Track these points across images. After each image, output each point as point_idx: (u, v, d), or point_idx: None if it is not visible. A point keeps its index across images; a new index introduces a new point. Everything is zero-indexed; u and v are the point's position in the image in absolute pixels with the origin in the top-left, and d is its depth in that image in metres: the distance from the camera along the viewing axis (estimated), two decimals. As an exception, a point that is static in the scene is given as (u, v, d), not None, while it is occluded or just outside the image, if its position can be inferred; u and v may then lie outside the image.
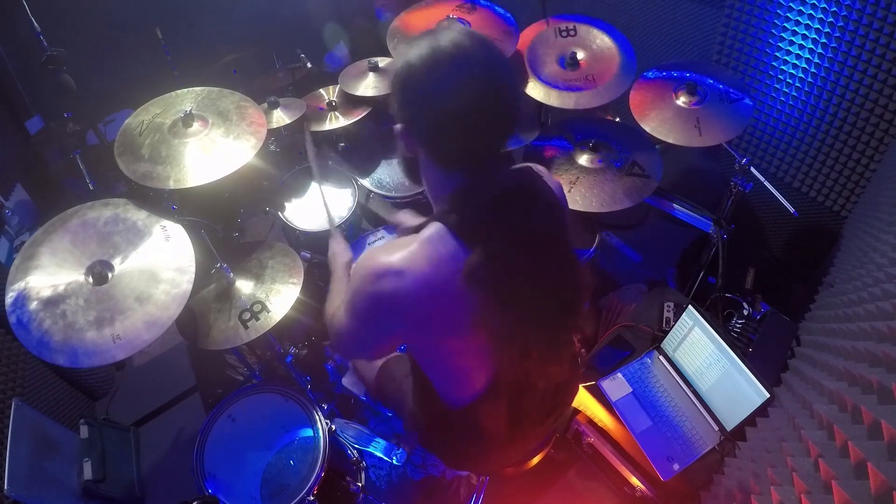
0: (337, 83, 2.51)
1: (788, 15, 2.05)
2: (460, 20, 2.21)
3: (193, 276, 1.60)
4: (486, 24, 2.21)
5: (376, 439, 1.83)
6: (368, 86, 2.40)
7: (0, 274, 1.82)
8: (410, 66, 0.85)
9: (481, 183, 0.91)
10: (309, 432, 1.68)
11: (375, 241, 2.18)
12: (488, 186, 0.91)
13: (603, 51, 2.18)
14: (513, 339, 0.96)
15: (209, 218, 2.42)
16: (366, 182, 2.28)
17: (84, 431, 1.96)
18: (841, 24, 1.90)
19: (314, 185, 2.33)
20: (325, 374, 2.15)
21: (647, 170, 1.97)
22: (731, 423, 1.63)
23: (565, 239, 1.03)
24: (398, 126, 0.92)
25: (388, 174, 2.31)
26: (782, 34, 2.11)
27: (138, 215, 1.69)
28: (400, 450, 1.81)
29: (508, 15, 2.25)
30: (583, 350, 2.11)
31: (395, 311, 0.92)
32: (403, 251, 0.91)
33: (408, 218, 1.42)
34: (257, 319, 1.69)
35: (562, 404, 1.37)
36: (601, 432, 1.73)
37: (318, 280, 2.19)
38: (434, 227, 0.91)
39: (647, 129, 1.95)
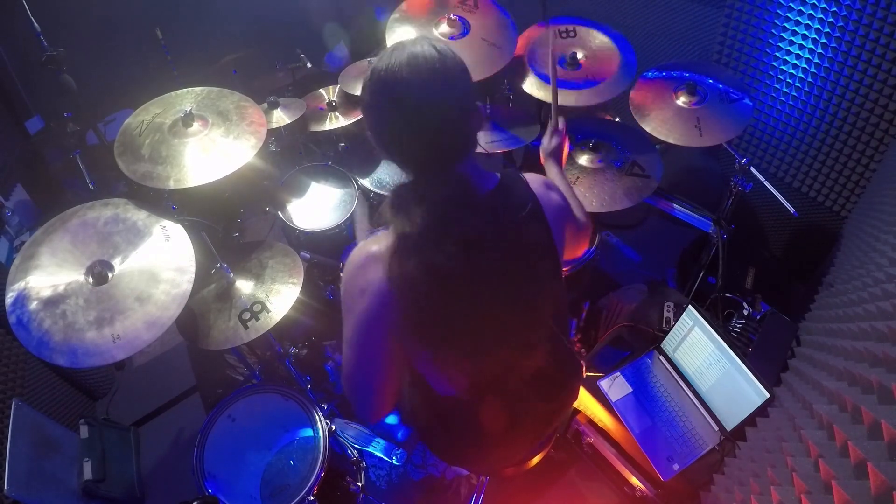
0: (337, 83, 2.51)
1: (788, 15, 2.05)
2: (459, 18, 2.21)
3: (193, 276, 1.60)
4: (487, 20, 2.22)
5: (376, 439, 1.83)
6: (368, 86, 2.40)
7: (0, 274, 1.82)
8: (364, 83, 0.94)
9: (425, 185, 0.93)
10: (309, 432, 1.68)
11: (375, 241, 2.18)
12: (432, 190, 0.92)
13: (603, 50, 2.18)
14: (446, 347, 0.97)
15: (209, 218, 2.43)
16: (366, 182, 2.27)
17: (84, 431, 1.96)
18: (841, 24, 1.90)
19: (315, 185, 2.33)
20: (325, 374, 2.15)
21: (647, 170, 1.97)
22: (731, 423, 1.63)
23: (532, 250, 0.99)
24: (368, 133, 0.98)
25: (388, 174, 2.31)
26: (782, 34, 2.11)
27: (138, 215, 1.69)
28: (400, 450, 1.81)
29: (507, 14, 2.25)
30: (583, 350, 2.11)
31: (378, 298, 0.94)
32: (381, 242, 0.96)
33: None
34: (257, 319, 1.69)
35: (562, 405, 1.37)
36: (601, 432, 1.73)
37: (318, 280, 2.19)
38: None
39: (648, 129, 1.95)
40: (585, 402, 1.77)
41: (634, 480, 1.66)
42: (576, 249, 1.25)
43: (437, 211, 0.89)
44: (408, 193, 0.93)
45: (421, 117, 0.88)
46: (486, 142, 2.11)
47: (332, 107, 2.46)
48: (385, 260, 0.93)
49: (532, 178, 1.07)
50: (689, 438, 1.66)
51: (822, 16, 1.94)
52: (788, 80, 2.17)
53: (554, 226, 1.04)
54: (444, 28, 2.21)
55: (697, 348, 1.74)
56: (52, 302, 1.48)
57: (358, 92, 2.33)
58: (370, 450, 1.81)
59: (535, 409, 1.23)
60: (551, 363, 1.15)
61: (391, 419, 1.92)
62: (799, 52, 2.08)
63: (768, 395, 1.53)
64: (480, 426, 1.17)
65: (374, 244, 0.97)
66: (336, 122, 2.43)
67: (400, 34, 2.22)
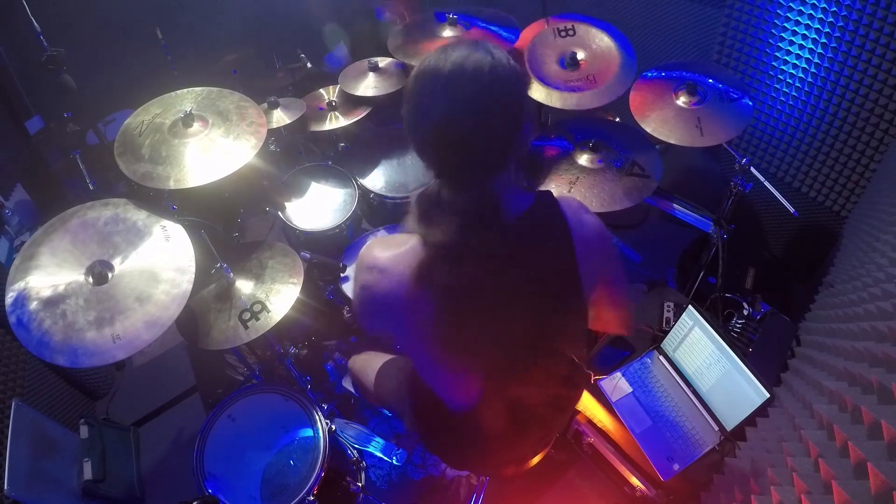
0: (337, 83, 2.51)
1: (788, 15, 2.05)
2: (460, 17, 2.21)
3: (193, 276, 1.60)
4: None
5: (376, 439, 1.84)
6: (368, 86, 2.40)
7: (0, 274, 1.82)
8: (406, 84, 0.91)
9: (460, 199, 0.90)
10: (309, 432, 1.68)
11: (375, 241, 2.18)
12: (465, 204, 0.90)
13: (603, 50, 2.18)
14: (469, 360, 0.98)
15: (209, 218, 2.42)
16: (366, 182, 2.28)
17: (84, 431, 1.96)
18: (841, 24, 1.90)
19: (315, 185, 2.33)
20: (325, 374, 2.15)
21: (647, 170, 1.96)
22: (731, 423, 1.63)
23: (554, 277, 0.96)
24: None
25: (387, 174, 2.31)
26: (782, 34, 2.11)
27: (138, 215, 1.69)
28: (400, 450, 1.81)
29: (505, 34, 2.25)
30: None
31: (377, 304, 0.97)
32: (394, 250, 0.94)
33: None
34: (257, 319, 1.69)
35: (567, 410, 1.38)
36: (601, 432, 1.73)
37: (318, 280, 2.19)
38: (422, 246, 0.93)
39: (648, 129, 1.95)
40: (585, 402, 1.77)
41: (634, 480, 1.66)
42: (606, 315, 1.16)
43: (457, 222, 0.88)
44: (432, 201, 0.92)
45: (466, 113, 0.82)
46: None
47: (332, 107, 2.46)
48: (392, 271, 0.93)
49: (567, 204, 0.98)
50: (689, 438, 1.66)
51: (822, 16, 1.94)
52: (788, 80, 2.17)
53: (582, 258, 0.96)
54: (447, 31, 2.21)
55: (697, 348, 1.74)
56: (52, 302, 1.48)
57: (358, 92, 2.37)
58: (370, 450, 1.82)
59: (542, 416, 1.23)
60: (563, 376, 1.15)
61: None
62: (799, 52, 2.08)
63: (768, 395, 1.53)
64: (487, 433, 1.17)
65: (384, 250, 0.95)
66: (336, 122, 2.43)
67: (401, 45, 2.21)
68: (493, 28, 2.28)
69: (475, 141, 0.84)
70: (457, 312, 0.91)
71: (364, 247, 1.02)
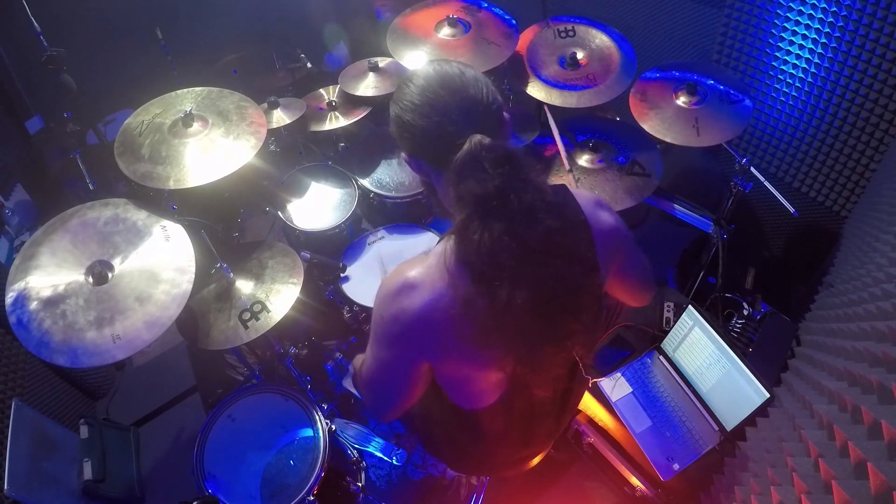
0: (337, 83, 2.51)
1: (788, 15, 2.05)
2: (460, 21, 2.21)
3: (193, 276, 1.60)
4: (488, 26, 2.22)
5: (376, 439, 1.83)
6: (368, 86, 2.40)
7: (0, 274, 1.83)
8: (394, 103, 0.95)
9: (489, 155, 0.91)
10: (309, 432, 1.68)
11: (375, 240, 2.18)
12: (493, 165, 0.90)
13: (602, 50, 2.18)
14: (496, 356, 0.96)
15: (209, 218, 2.42)
16: (366, 182, 2.28)
17: (84, 431, 1.96)
18: (841, 24, 1.90)
19: (315, 185, 2.33)
20: (325, 374, 2.15)
21: (648, 169, 1.97)
22: (731, 423, 1.63)
23: (571, 262, 0.94)
24: (403, 155, 0.98)
25: (388, 174, 2.31)
26: (782, 34, 2.11)
27: (138, 215, 1.69)
28: (400, 450, 1.80)
29: (509, 17, 2.26)
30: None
31: (413, 327, 0.93)
32: (420, 266, 0.93)
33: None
34: (257, 319, 1.69)
35: (568, 411, 1.38)
36: (601, 432, 1.73)
37: (318, 280, 2.19)
38: (446, 242, 0.91)
39: (646, 127, 1.95)
40: (585, 402, 1.77)
41: (634, 480, 1.66)
42: (630, 292, 1.27)
43: (521, 209, 0.86)
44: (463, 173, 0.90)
45: (473, 102, 0.90)
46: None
47: (332, 107, 2.46)
48: (425, 281, 0.91)
49: (581, 196, 1.03)
50: (689, 438, 1.66)
51: (822, 16, 1.94)
52: (788, 80, 2.17)
53: (600, 246, 0.99)
54: (446, 29, 2.21)
55: (697, 348, 1.73)
56: (52, 302, 1.48)
57: (358, 92, 2.37)
58: (370, 450, 1.81)
59: (549, 413, 1.23)
60: (569, 368, 1.15)
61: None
62: (799, 52, 2.08)
63: (768, 395, 1.53)
64: (497, 432, 1.17)
65: (412, 269, 0.94)
66: (336, 122, 2.43)
67: (400, 44, 2.20)
68: (495, 10, 2.28)
69: (492, 118, 0.92)
70: (489, 292, 0.87)
71: (382, 283, 0.97)
